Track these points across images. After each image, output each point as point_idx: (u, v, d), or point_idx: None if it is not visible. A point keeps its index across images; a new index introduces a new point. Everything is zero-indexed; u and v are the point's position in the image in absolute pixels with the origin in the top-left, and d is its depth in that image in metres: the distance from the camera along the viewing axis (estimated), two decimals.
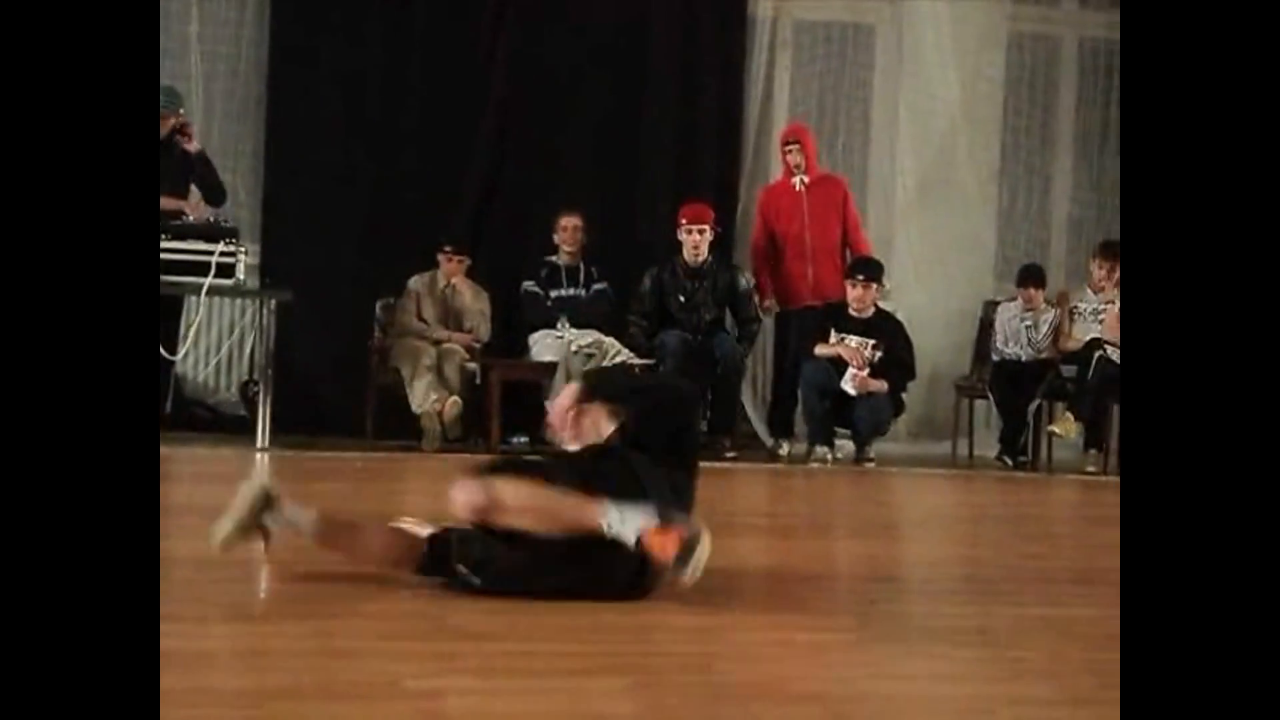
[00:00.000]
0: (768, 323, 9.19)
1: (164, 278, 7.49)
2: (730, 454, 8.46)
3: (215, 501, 3.77)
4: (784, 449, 8.95)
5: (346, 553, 3.65)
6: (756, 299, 8.95)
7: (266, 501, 3.55)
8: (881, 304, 8.79)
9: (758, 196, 9.31)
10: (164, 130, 8.19)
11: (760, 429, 9.35)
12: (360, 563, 3.61)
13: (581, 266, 8.87)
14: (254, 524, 3.55)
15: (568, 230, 8.85)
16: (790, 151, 9.01)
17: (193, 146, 8.23)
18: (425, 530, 3.60)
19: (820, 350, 8.56)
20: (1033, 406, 8.88)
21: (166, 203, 7.95)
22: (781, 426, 9.05)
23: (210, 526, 3.57)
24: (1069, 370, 8.87)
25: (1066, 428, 8.60)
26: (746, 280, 8.99)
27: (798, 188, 8.96)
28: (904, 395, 8.76)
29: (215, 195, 8.27)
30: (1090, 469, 8.52)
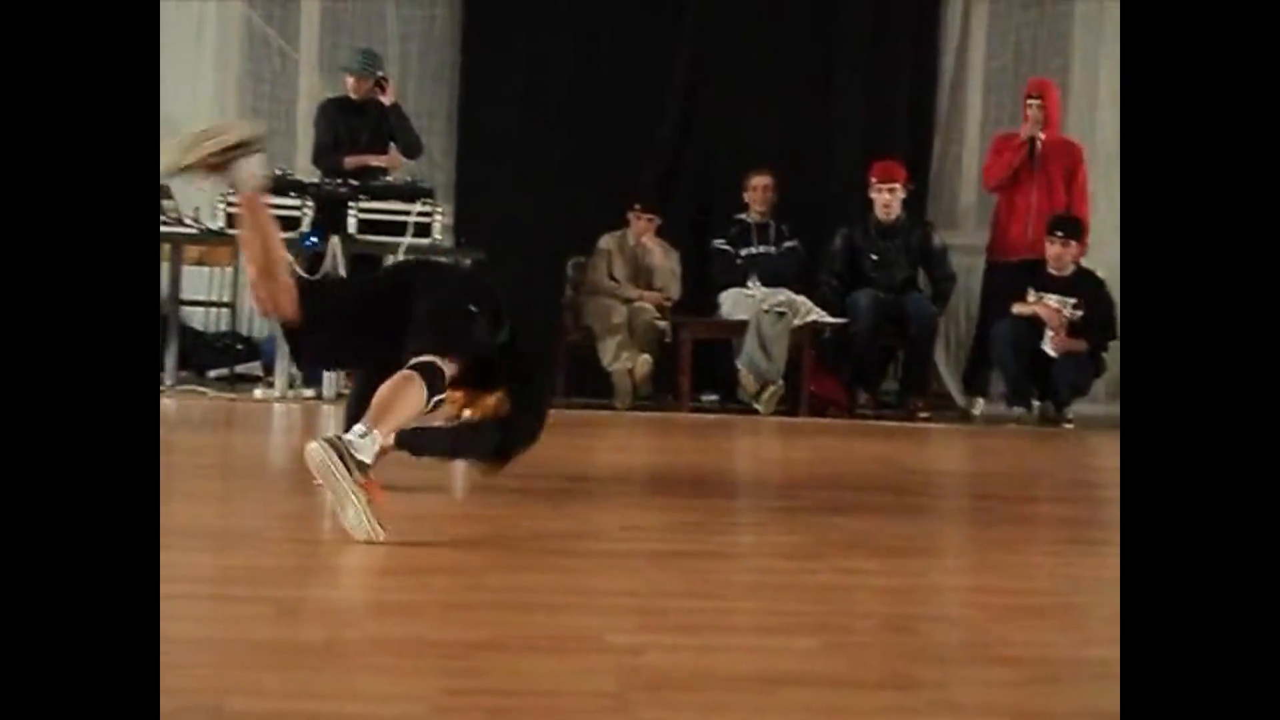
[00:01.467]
0: (976, 274, 9.03)
1: (364, 236, 7.67)
2: (923, 414, 8.37)
3: (401, 458, 3.88)
4: (977, 408, 8.81)
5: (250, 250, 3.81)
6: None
7: (242, 146, 3.61)
8: (1083, 262, 8.57)
9: (993, 139, 9.09)
10: (362, 92, 8.36)
11: (954, 388, 9.21)
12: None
13: (772, 224, 8.83)
14: (218, 160, 3.60)
15: (758, 190, 8.81)
16: (1031, 106, 8.80)
17: (387, 99, 8.37)
18: None
19: (1018, 309, 8.39)
20: None
21: (365, 159, 8.13)
22: (977, 385, 8.91)
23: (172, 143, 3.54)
24: None
25: None
26: (940, 238, 8.85)
27: (1032, 119, 8.74)
28: (1105, 355, 8.54)
29: (412, 149, 8.43)
30: None
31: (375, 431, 3.49)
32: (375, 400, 3.61)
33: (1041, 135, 8.74)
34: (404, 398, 3.62)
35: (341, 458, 3.38)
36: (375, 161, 8.16)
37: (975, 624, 3.04)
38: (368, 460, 3.44)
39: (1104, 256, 9.12)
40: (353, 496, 3.36)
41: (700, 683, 2.36)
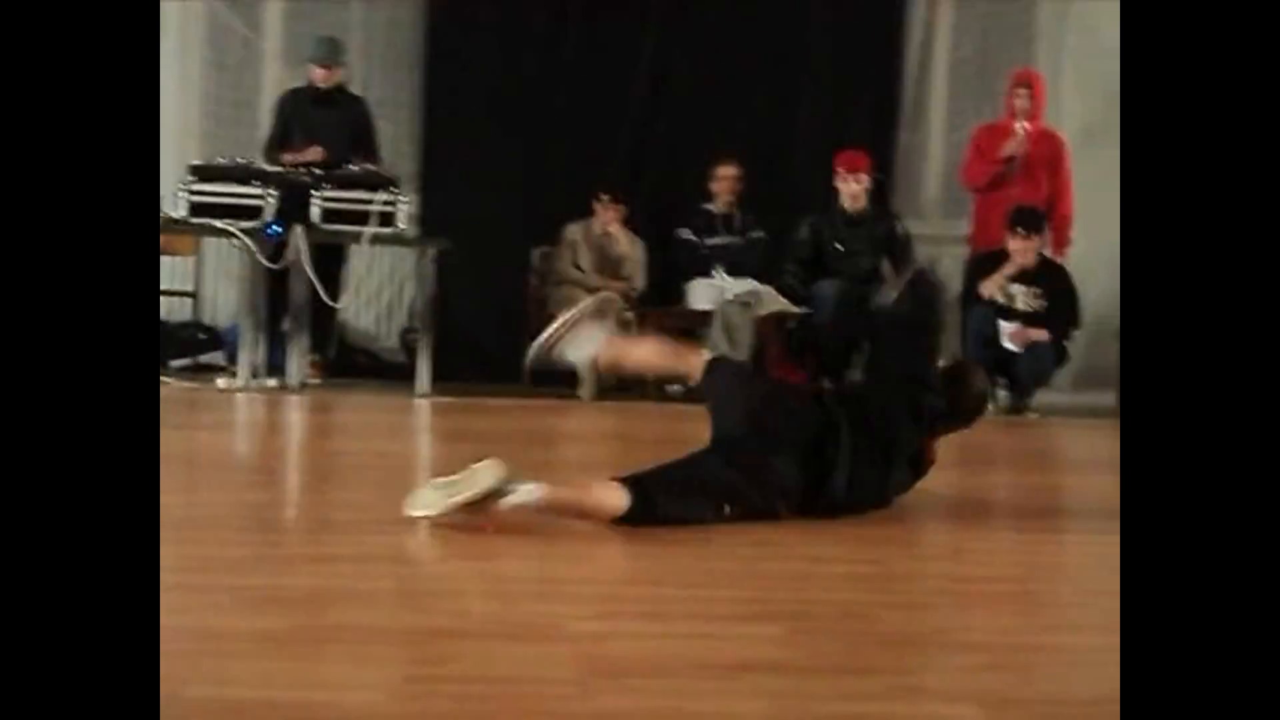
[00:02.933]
0: (941, 263, 9.06)
1: (328, 226, 7.64)
2: None
3: (378, 447, 3.86)
4: None
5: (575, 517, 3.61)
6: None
7: (492, 496, 3.46)
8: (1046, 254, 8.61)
9: (972, 132, 9.11)
10: (328, 81, 8.33)
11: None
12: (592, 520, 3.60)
13: (737, 214, 8.84)
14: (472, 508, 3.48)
15: (724, 180, 8.82)
16: (1019, 96, 8.81)
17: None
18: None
19: (984, 288, 8.39)
20: None
21: (300, 157, 8.06)
22: None
23: (420, 495, 3.54)
24: None
25: None
26: (905, 228, 8.88)
27: (1018, 134, 8.77)
28: (1067, 345, 8.59)
29: (369, 158, 8.27)
30: None
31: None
32: None
33: (1028, 125, 8.76)
34: None
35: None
36: (309, 157, 8.05)
37: (937, 610, 3.06)
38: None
39: (1074, 248, 9.18)
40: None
41: (662, 670, 2.36)
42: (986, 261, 8.58)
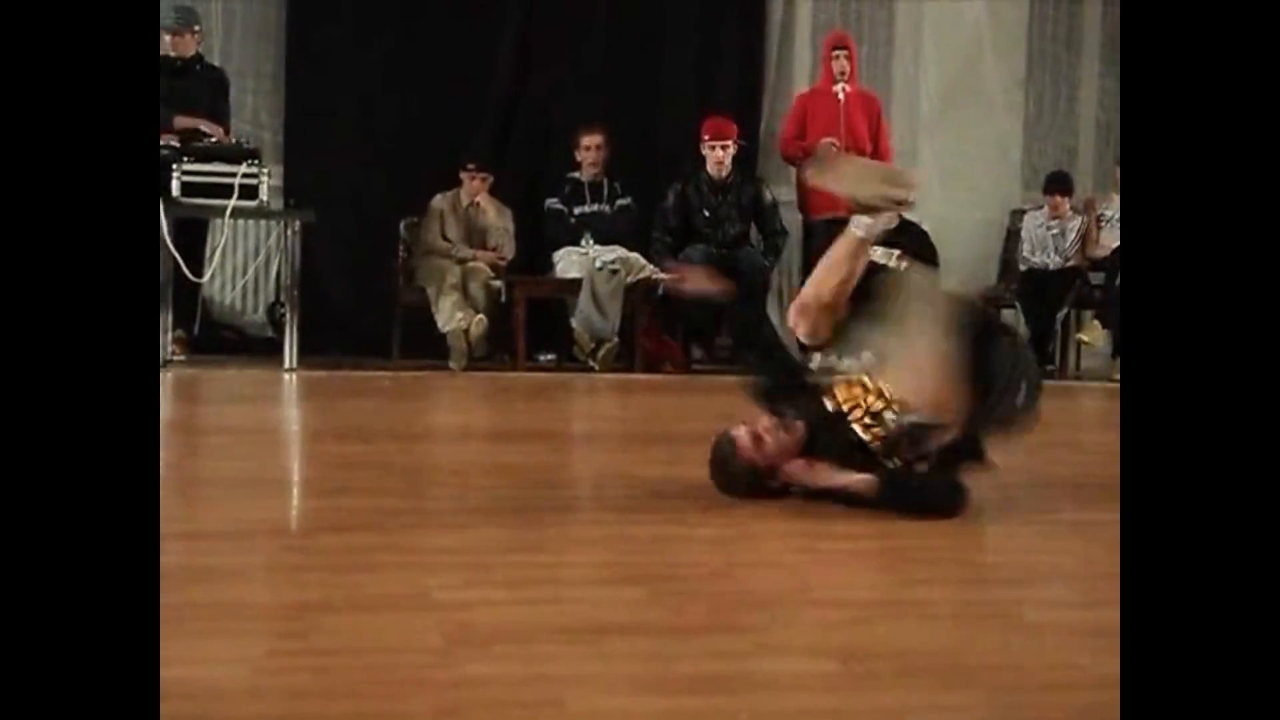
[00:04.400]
0: (794, 235, 9.14)
1: (188, 200, 7.51)
2: None
3: (246, 422, 3.82)
4: (814, 361, 8.93)
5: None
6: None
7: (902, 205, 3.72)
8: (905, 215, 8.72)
9: (795, 99, 9.19)
10: (182, 49, 8.18)
11: (787, 341, 9.31)
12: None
13: (605, 182, 8.85)
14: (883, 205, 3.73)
15: (590, 149, 8.82)
16: (837, 58, 8.89)
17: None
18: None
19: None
20: (1061, 315, 8.85)
21: (198, 123, 7.93)
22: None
23: None
24: (1097, 278, 8.83)
25: (1094, 335, 8.60)
26: (771, 194, 8.95)
27: (839, 96, 8.86)
28: None
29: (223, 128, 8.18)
30: (1118, 376, 8.51)
31: None
32: None
33: (849, 87, 8.87)
34: None
35: None
36: (205, 127, 7.95)
37: (799, 569, 3.11)
38: None
39: (929, 210, 9.31)
40: None
41: (527, 635, 2.38)
42: (837, 224, 8.65)
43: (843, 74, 8.87)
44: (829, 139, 8.72)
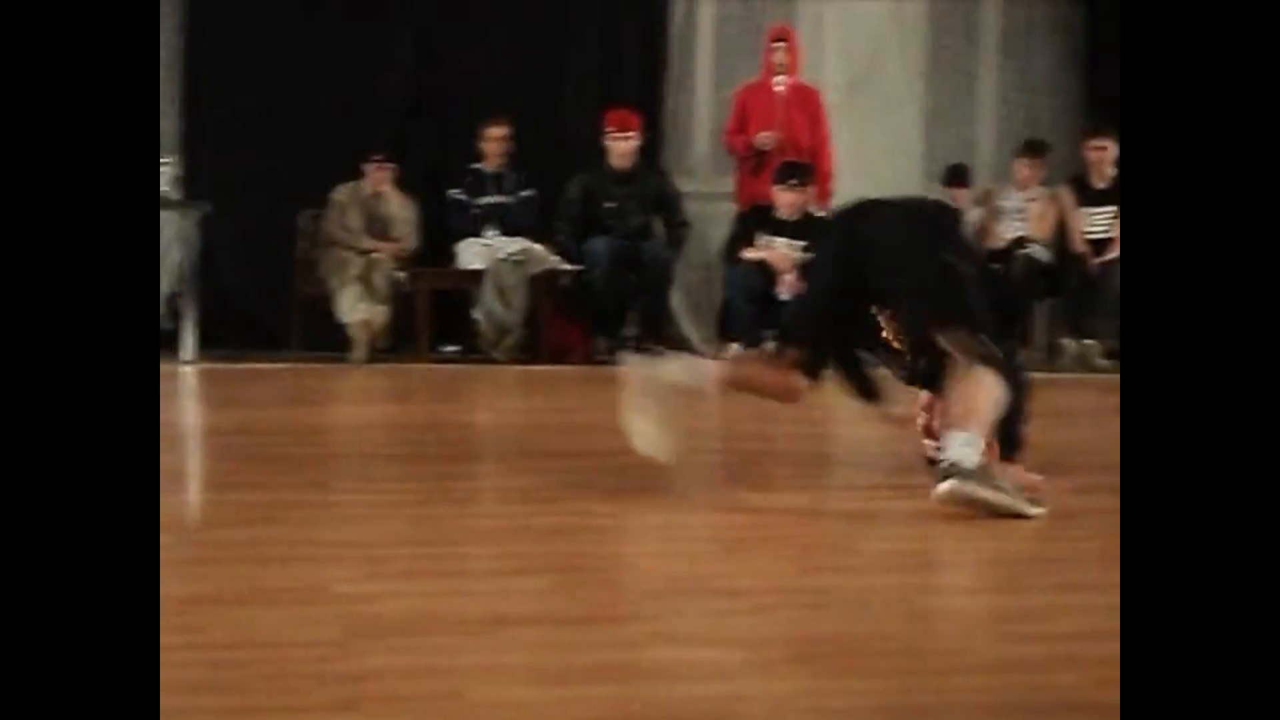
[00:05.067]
0: (710, 220, 9.12)
1: None
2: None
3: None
4: (729, 353, 8.96)
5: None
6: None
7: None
8: (810, 208, 8.78)
9: (735, 94, 9.17)
10: None
11: (692, 333, 9.35)
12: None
13: (508, 173, 8.82)
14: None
15: (494, 141, 8.79)
16: (776, 50, 8.88)
17: None
18: None
19: (747, 254, 8.56)
20: None
21: None
22: (722, 331, 9.05)
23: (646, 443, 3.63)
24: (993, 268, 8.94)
25: None
26: (674, 185, 8.97)
27: (778, 88, 8.87)
28: None
29: None
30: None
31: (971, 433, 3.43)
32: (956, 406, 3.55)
33: (788, 79, 8.89)
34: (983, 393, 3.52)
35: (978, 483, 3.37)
36: None
37: (698, 558, 3.13)
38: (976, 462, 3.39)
39: (835, 201, 9.37)
40: (1022, 505, 3.40)
41: (426, 627, 2.38)
42: (753, 215, 8.72)
43: (782, 66, 8.86)
44: (768, 133, 8.74)
